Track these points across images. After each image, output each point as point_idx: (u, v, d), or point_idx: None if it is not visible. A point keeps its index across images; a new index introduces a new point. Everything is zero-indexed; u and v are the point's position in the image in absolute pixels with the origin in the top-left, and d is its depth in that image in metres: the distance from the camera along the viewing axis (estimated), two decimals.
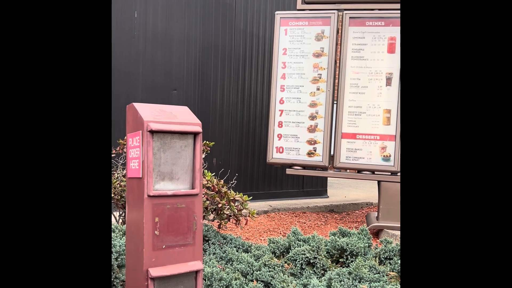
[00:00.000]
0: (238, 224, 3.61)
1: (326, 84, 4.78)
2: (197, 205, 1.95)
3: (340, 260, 3.22)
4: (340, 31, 4.78)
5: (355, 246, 3.15)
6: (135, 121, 1.93)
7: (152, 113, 1.91)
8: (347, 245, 3.17)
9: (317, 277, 3.01)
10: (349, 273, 2.87)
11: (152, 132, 1.84)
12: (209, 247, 3.31)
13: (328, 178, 7.40)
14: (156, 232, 1.83)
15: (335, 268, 3.10)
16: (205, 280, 2.73)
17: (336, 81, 4.84)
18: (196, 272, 1.93)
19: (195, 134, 1.95)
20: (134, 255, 1.90)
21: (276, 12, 4.93)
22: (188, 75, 5.46)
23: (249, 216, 3.58)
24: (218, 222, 3.52)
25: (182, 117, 1.97)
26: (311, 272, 3.04)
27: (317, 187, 6.78)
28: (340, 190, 7.81)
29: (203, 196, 3.22)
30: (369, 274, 2.82)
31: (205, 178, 3.34)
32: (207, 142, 3.63)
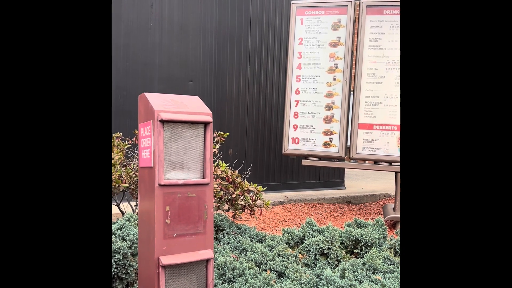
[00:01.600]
0: (252, 214, 3.62)
1: (342, 74, 4.73)
2: (208, 195, 1.96)
3: (354, 251, 3.20)
4: (357, 20, 4.72)
5: (370, 237, 3.13)
6: (146, 110, 1.94)
7: (163, 103, 1.92)
8: (362, 236, 3.15)
9: (331, 268, 3.00)
10: (363, 264, 2.85)
11: (163, 121, 1.84)
12: (224, 237, 3.32)
13: (346, 169, 7.35)
14: (167, 220, 1.85)
15: (349, 259, 3.09)
16: (218, 269, 2.75)
17: (353, 71, 4.78)
18: (207, 260, 1.94)
19: (205, 124, 1.95)
20: (146, 243, 1.92)
21: (292, 1, 4.89)
22: (204, 66, 5.47)
23: (263, 206, 3.58)
24: (232, 212, 3.53)
25: (193, 106, 1.98)
26: (325, 262, 3.03)
27: (334, 178, 6.74)
28: (358, 182, 7.75)
29: (217, 186, 3.24)
30: (383, 265, 2.80)
31: (219, 168, 3.36)
32: (222, 133, 3.63)
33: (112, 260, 2.23)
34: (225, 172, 3.33)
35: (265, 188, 3.63)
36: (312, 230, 3.47)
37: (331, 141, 4.78)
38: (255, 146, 5.98)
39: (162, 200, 1.84)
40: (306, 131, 4.85)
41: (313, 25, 4.82)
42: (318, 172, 6.56)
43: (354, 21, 4.73)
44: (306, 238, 3.31)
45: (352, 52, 4.75)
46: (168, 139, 1.88)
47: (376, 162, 4.71)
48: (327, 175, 6.65)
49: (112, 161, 3.06)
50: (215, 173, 3.30)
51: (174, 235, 1.87)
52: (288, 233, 3.43)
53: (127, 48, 4.90)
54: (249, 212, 3.63)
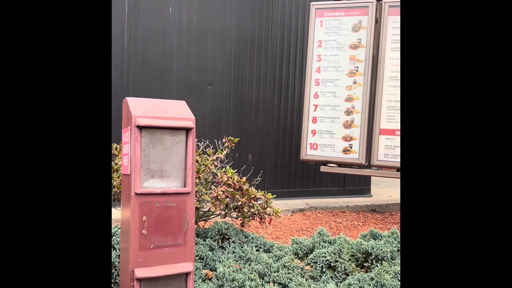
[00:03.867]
0: (262, 222, 3.50)
1: (363, 77, 4.54)
2: (189, 204, 1.86)
3: (365, 264, 3.02)
4: (378, 21, 4.52)
5: (381, 250, 2.94)
6: (127, 116, 1.87)
7: (143, 108, 1.84)
8: (372, 248, 2.96)
9: (338, 282, 2.83)
10: (371, 279, 2.67)
11: (140, 127, 1.76)
12: (229, 246, 3.22)
13: (374, 176, 7.09)
14: (143, 231, 1.77)
15: (358, 272, 2.91)
16: (217, 280, 2.64)
17: (374, 74, 4.58)
18: (187, 274, 1.84)
19: (187, 130, 1.86)
20: (124, 254, 1.84)
21: (311, 3, 4.75)
22: (223, 70, 5.40)
23: (273, 215, 3.46)
24: (241, 220, 3.42)
25: (175, 112, 1.89)
26: (332, 276, 2.87)
27: (360, 185, 6.50)
28: (386, 189, 7.47)
29: (222, 193, 3.14)
30: (392, 281, 2.61)
31: (226, 174, 3.26)
32: (232, 138, 3.54)
33: None
34: (231, 178, 3.23)
35: (275, 195, 3.51)
36: (323, 241, 3.31)
37: (351, 147, 4.59)
38: (275, 151, 5.85)
39: (139, 210, 1.76)
40: (325, 136, 4.68)
41: (332, 27, 4.65)
42: (342, 178, 6.35)
43: (376, 22, 4.53)
44: (316, 249, 3.16)
45: (374, 54, 4.55)
46: (147, 145, 1.80)
47: (399, 169, 4.48)
48: (352, 182, 6.43)
49: (116, 167, 3.02)
50: (221, 179, 3.21)
51: (151, 246, 1.78)
52: (297, 243, 3.29)
53: (145, 52, 4.90)
54: (258, 220, 3.51)
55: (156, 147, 1.82)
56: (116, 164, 3.07)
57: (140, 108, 1.83)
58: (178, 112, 1.89)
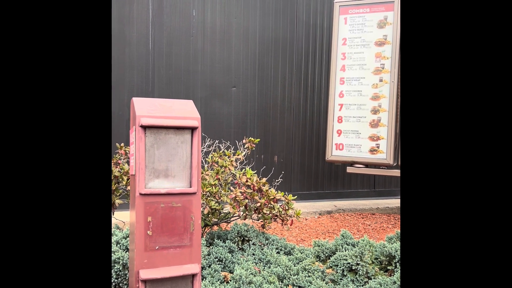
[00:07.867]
0: (284, 224, 3.44)
1: (389, 75, 4.40)
2: (195, 204, 1.83)
3: (388, 268, 2.90)
4: None
5: None
6: (133, 116, 1.86)
7: (149, 108, 1.83)
8: (396, 251, 2.84)
9: (359, 285, 2.74)
10: (394, 283, 2.56)
11: (144, 127, 1.75)
12: (249, 248, 3.17)
13: None
14: (148, 232, 1.75)
15: (381, 276, 2.80)
16: (234, 282, 2.60)
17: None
18: (193, 275, 1.81)
19: (192, 129, 1.83)
20: (131, 255, 1.83)
21: (335, 0, 4.65)
22: (247, 71, 5.37)
23: (294, 216, 3.39)
24: (261, 222, 3.38)
25: (181, 111, 1.87)
26: (353, 279, 2.77)
27: (391, 186, 6.32)
28: None
29: (240, 194, 3.10)
30: None
31: (245, 175, 3.22)
32: (252, 139, 3.50)
33: (112, 270, 2.18)
34: (250, 179, 3.18)
35: (295, 197, 3.44)
36: (346, 243, 3.22)
37: (378, 147, 4.45)
38: (302, 152, 5.77)
39: (143, 210, 1.75)
40: (351, 136, 4.57)
41: (357, 24, 4.54)
42: (372, 180, 6.19)
43: None
44: (338, 252, 3.07)
45: (400, 50, 4.41)
46: (151, 145, 1.78)
47: None
48: (382, 183, 6.25)
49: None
50: (239, 180, 3.17)
51: (157, 247, 1.76)
52: (319, 246, 3.21)
53: (169, 56, 4.94)
54: (280, 222, 3.45)
55: (161, 147, 1.80)
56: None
57: (145, 108, 1.82)
58: (183, 111, 1.87)
